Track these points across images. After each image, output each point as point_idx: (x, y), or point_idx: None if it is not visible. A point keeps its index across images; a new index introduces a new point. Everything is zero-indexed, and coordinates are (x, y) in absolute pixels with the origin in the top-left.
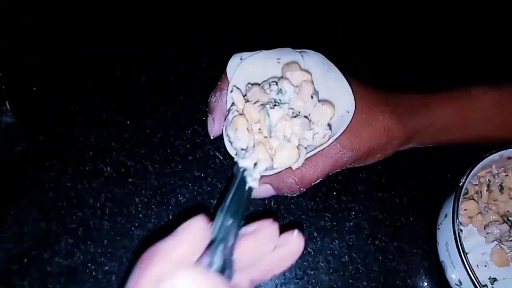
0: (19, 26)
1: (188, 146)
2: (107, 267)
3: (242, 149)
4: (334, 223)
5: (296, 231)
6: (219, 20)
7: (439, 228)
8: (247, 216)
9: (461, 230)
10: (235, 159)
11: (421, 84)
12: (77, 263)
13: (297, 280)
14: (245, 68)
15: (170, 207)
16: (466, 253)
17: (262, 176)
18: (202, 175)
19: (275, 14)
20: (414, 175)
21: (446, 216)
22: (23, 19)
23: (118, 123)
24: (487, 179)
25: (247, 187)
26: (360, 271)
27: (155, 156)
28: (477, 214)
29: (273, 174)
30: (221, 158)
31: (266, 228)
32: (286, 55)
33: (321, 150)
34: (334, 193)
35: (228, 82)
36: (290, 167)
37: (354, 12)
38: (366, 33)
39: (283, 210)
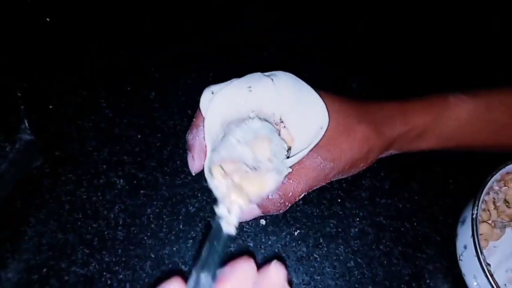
0: (33, 48)
1: None
2: (121, 276)
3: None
4: (339, 229)
5: (274, 261)
6: (223, 34)
7: (461, 260)
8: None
9: (489, 265)
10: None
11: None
12: (93, 272)
13: (304, 286)
14: (217, 102)
15: (180, 217)
16: (498, 284)
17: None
18: None
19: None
20: (416, 182)
21: (465, 247)
22: (36, 42)
23: (129, 137)
24: (491, 197)
25: (224, 234)
26: (366, 275)
27: (165, 168)
28: (492, 234)
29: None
30: None
31: (242, 268)
32: (256, 81)
33: (299, 161)
34: (339, 200)
35: (203, 118)
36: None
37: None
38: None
39: (289, 218)
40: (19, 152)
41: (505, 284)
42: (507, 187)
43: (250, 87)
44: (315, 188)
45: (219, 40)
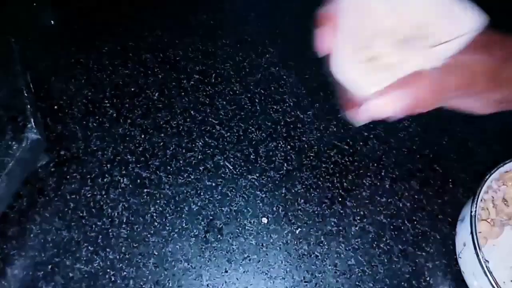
0: (38, 50)
1: (199, 157)
2: (125, 273)
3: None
4: (340, 227)
5: None
6: (226, 36)
7: (460, 257)
8: None
9: (488, 262)
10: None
11: None
12: (97, 269)
13: (306, 283)
14: None
15: (183, 215)
16: (496, 281)
17: None
18: (213, 184)
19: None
20: (415, 181)
21: (465, 245)
22: (41, 44)
23: (133, 137)
24: (490, 196)
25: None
26: (366, 273)
27: (168, 168)
28: (491, 232)
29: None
30: (231, 168)
31: None
32: None
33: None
34: (340, 199)
35: None
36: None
37: None
38: None
39: (291, 216)
40: (25, 151)
41: (504, 282)
42: (505, 186)
43: None
44: (468, 95)
45: (222, 41)
